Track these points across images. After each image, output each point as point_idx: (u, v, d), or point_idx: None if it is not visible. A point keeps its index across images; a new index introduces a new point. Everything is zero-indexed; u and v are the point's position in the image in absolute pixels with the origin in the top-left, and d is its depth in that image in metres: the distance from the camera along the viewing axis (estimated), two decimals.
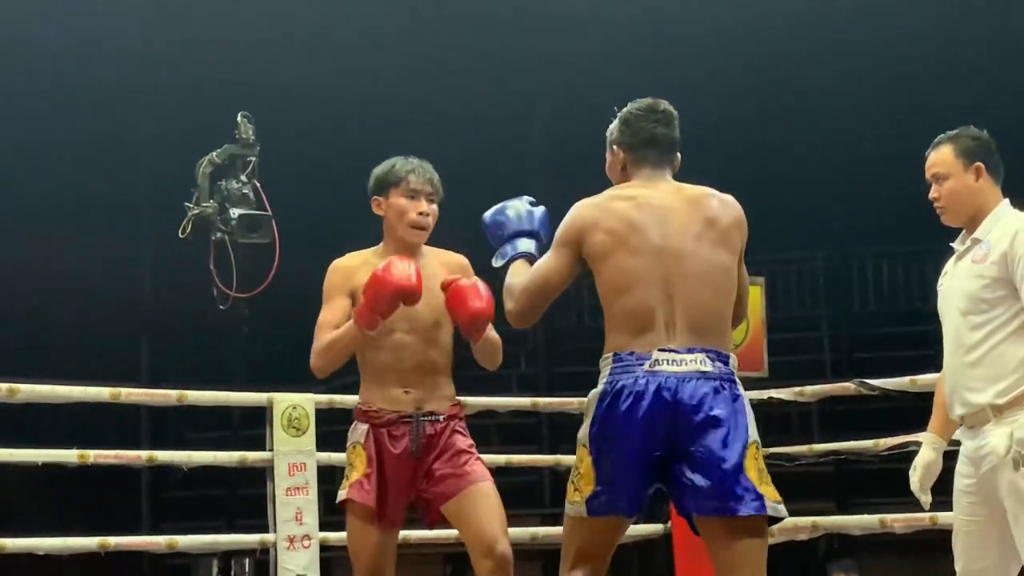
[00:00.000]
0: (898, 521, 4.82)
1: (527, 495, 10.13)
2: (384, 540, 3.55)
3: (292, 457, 4.83)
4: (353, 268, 3.61)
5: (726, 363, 2.91)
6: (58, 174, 10.56)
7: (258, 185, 4.97)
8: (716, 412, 2.85)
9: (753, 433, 2.89)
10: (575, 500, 2.93)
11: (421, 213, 3.63)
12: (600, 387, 2.92)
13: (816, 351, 11.07)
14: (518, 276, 3.13)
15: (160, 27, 9.99)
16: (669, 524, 5.29)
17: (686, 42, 10.33)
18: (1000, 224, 3.35)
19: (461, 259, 3.72)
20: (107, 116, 10.36)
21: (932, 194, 3.44)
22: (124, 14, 9.82)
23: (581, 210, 3.05)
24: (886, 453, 4.88)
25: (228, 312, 4.98)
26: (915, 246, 11.70)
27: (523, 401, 5.96)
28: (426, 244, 3.69)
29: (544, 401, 6.00)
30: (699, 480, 2.84)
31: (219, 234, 4.91)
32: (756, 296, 5.06)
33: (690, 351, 2.88)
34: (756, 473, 2.86)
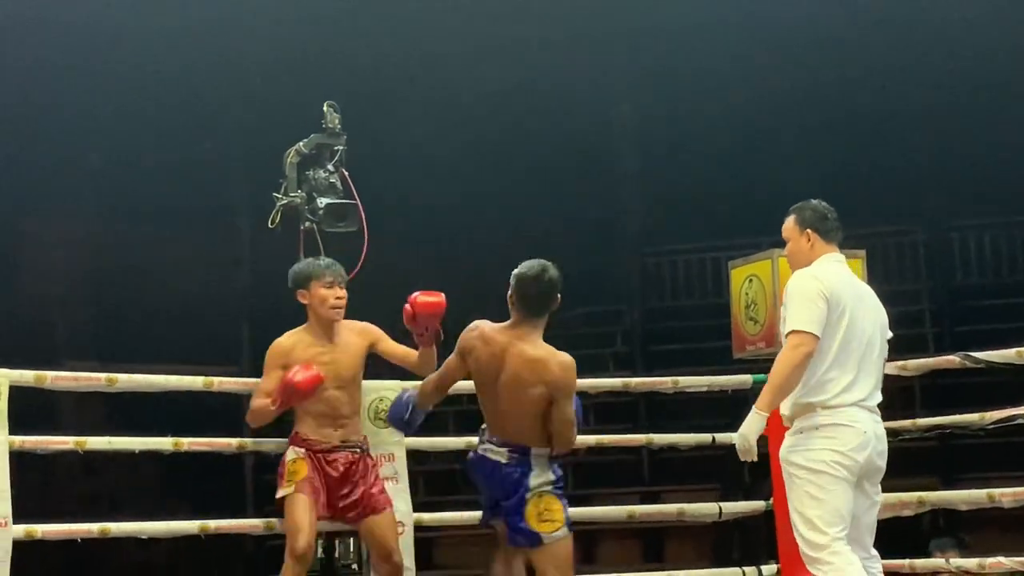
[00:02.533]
0: (1006, 496, 4.72)
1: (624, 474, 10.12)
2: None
3: (380, 448, 4.87)
4: (287, 347, 4.72)
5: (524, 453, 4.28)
6: (157, 172, 10.76)
7: (346, 174, 4.98)
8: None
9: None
10: None
11: (338, 298, 4.74)
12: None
13: (918, 325, 10.90)
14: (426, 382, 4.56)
15: (250, 22, 10.09)
16: (771, 501, 5.24)
17: (779, 15, 10.21)
18: None
19: (367, 325, 4.86)
20: (203, 113, 10.53)
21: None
22: (214, 9, 9.94)
23: (462, 341, 4.40)
24: (992, 427, 4.78)
25: None
26: (1018, 217, 11.49)
27: (615, 382, 5.95)
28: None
29: (636, 381, 5.98)
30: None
31: (307, 223, 4.93)
32: (857, 270, 5.01)
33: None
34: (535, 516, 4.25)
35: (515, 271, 4.36)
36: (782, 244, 5.53)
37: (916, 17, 10.28)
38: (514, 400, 4.23)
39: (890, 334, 4.34)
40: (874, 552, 4.22)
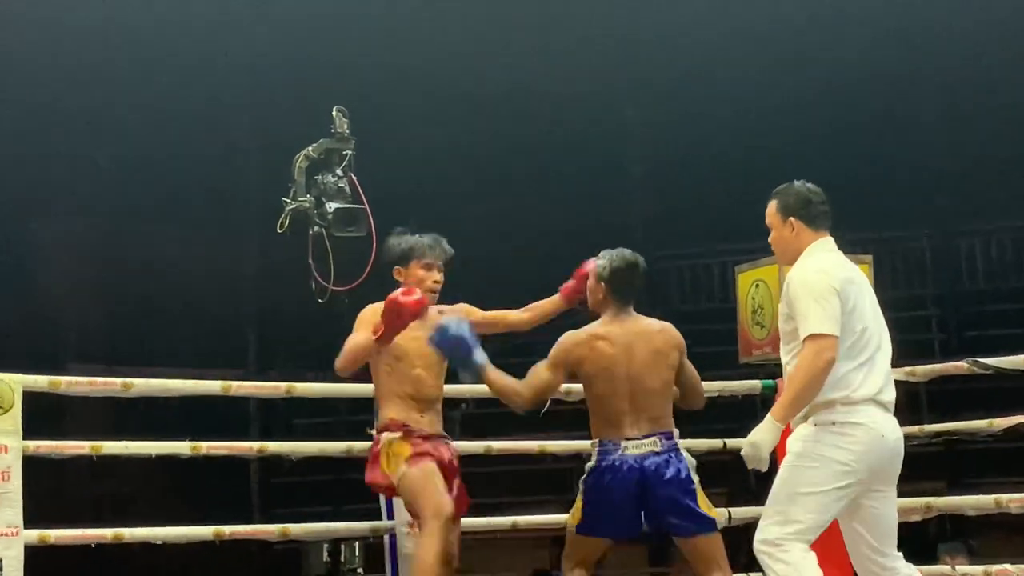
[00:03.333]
0: (1014, 501, 4.72)
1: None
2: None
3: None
4: (378, 310, 4.41)
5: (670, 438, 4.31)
6: (167, 174, 10.78)
7: (354, 178, 4.99)
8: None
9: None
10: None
11: (435, 282, 4.59)
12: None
13: (925, 330, 10.91)
14: (511, 381, 4.41)
15: (259, 25, 10.11)
16: None
17: (785, 20, 10.22)
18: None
19: (456, 306, 4.64)
20: (211, 115, 10.54)
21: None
22: (225, 12, 9.96)
23: (568, 355, 4.41)
24: (1001, 433, 4.78)
25: (330, 304, 5.02)
26: (1023, 222, 11.49)
27: None
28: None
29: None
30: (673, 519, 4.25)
31: (316, 228, 4.94)
32: (865, 275, 5.02)
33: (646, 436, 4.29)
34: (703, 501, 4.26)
35: (601, 267, 4.42)
36: None
37: (921, 22, 10.29)
38: (656, 377, 4.31)
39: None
40: (896, 553, 4.01)
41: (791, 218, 4.02)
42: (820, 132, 10.96)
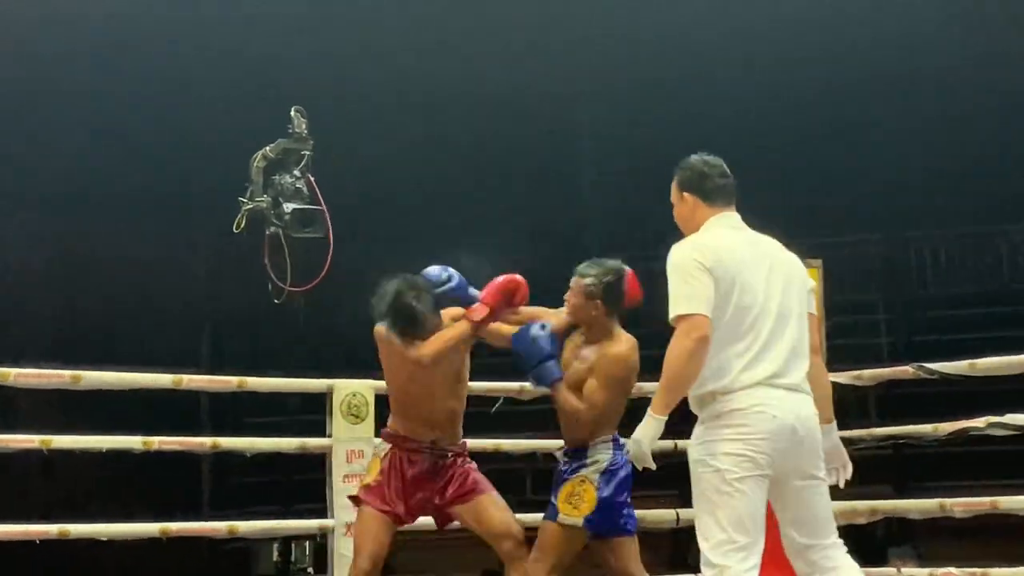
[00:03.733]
0: (958, 505, 4.78)
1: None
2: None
3: (350, 444, 4.86)
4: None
5: None
6: (122, 171, 10.71)
7: (312, 179, 4.98)
8: None
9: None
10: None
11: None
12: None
13: (874, 335, 11.01)
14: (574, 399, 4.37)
15: (215, 21, 10.06)
16: None
17: (738, 25, 10.27)
18: None
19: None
20: (167, 111, 10.48)
21: None
22: (185, 8, 9.92)
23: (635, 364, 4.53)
24: (946, 437, 4.83)
25: (285, 303, 5.01)
26: (974, 228, 11.63)
27: None
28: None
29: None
30: None
31: (273, 228, 4.93)
32: (814, 278, 5.06)
33: None
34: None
35: (592, 284, 4.40)
36: None
37: (873, 28, 10.36)
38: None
39: (811, 284, 3.82)
40: (836, 540, 3.69)
41: (686, 193, 3.82)
42: (774, 137, 11.03)
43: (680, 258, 3.63)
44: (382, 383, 4.97)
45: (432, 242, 11.47)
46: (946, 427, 4.81)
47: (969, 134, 10.80)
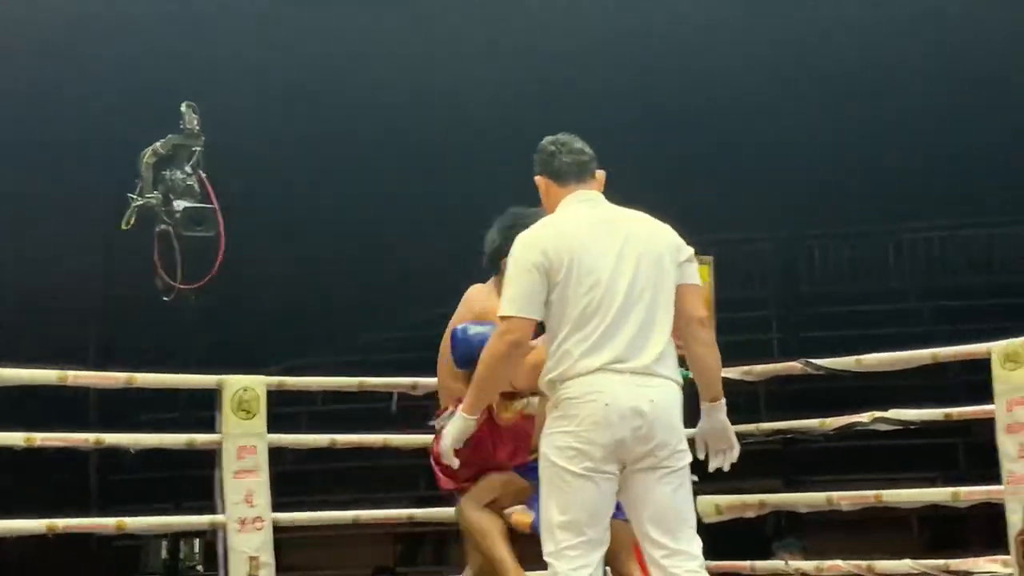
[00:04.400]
0: (844, 499, 4.87)
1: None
2: None
3: (241, 440, 4.80)
4: None
5: None
6: (8, 163, 10.49)
7: (203, 176, 4.91)
8: None
9: None
10: None
11: None
12: None
13: (764, 331, 11.17)
14: None
15: (115, 16, 9.91)
16: None
17: (626, 22, 10.33)
18: None
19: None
20: (57, 105, 10.31)
21: None
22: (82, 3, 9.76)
23: None
24: (833, 432, 4.92)
25: (176, 300, 4.94)
26: (863, 227, 11.85)
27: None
28: None
29: None
30: None
31: (163, 226, 4.85)
32: (705, 275, 5.09)
33: None
34: None
35: (509, 231, 3.97)
36: None
37: (769, 28, 10.48)
38: None
39: (684, 258, 3.58)
40: (683, 547, 3.43)
41: (538, 177, 3.71)
42: (669, 135, 11.13)
43: (513, 254, 3.54)
44: (274, 378, 4.94)
45: (327, 238, 11.45)
46: (832, 422, 4.88)
47: (860, 136, 11.01)
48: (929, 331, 9.75)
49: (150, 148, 4.89)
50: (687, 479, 3.50)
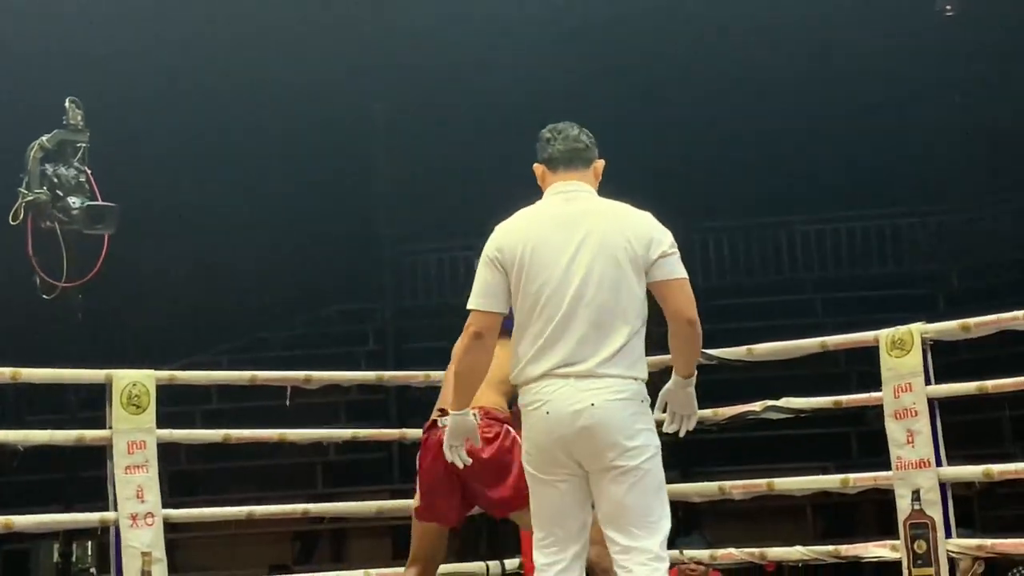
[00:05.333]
0: (737, 488, 4.91)
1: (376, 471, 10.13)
2: None
3: (131, 435, 4.73)
4: None
5: None
6: None
7: (89, 172, 4.84)
8: None
9: None
10: None
11: None
12: None
13: (658, 323, 11.23)
14: None
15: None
16: None
17: (523, 13, 10.32)
18: None
19: None
20: None
21: None
22: None
23: None
24: (725, 422, 4.96)
25: (60, 299, 4.86)
26: (755, 219, 11.99)
27: (368, 375, 5.88)
28: None
29: (389, 375, 5.94)
30: None
31: (50, 222, 4.77)
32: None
33: None
34: None
35: None
36: None
37: (662, 22, 10.53)
38: None
39: (657, 254, 3.54)
40: (636, 544, 3.45)
41: (536, 164, 3.69)
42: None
43: (485, 248, 3.57)
44: (164, 372, 4.87)
45: (214, 237, 11.31)
46: (725, 411, 4.93)
47: (754, 130, 11.14)
48: (822, 322, 9.89)
49: (37, 142, 4.82)
50: (648, 475, 3.49)
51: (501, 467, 4.08)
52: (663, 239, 3.57)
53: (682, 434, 3.75)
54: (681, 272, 3.61)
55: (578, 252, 3.46)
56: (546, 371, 3.44)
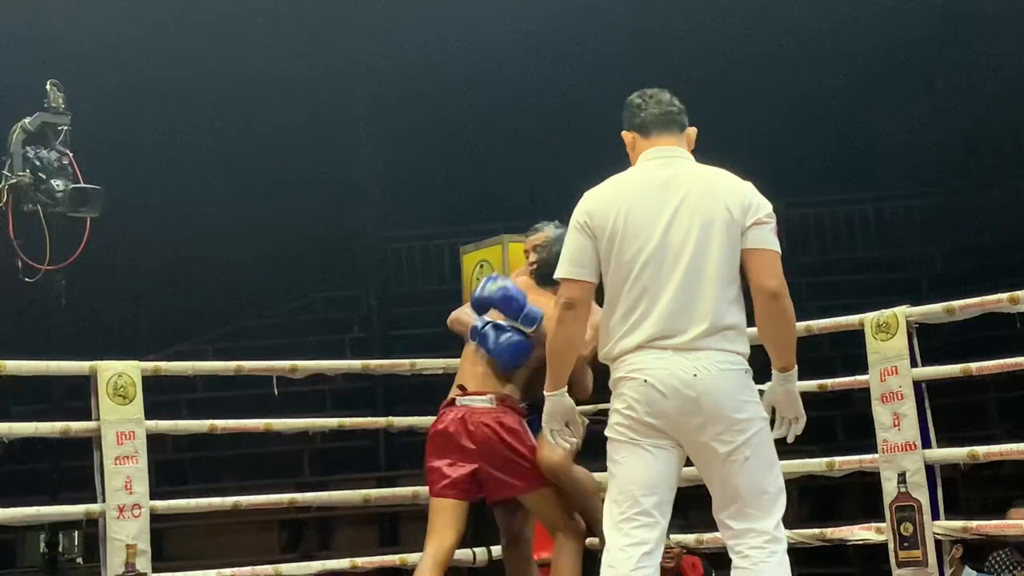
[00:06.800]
0: None
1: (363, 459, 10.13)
2: None
3: (120, 426, 4.71)
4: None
5: None
6: None
7: (71, 155, 4.82)
8: None
9: None
10: None
11: (531, 263, 4.59)
12: None
13: None
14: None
15: None
16: None
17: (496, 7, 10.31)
18: None
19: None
20: None
21: None
22: None
23: None
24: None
25: (42, 284, 4.84)
26: None
27: (354, 364, 5.86)
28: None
29: (375, 363, 5.93)
30: None
31: (32, 205, 4.75)
32: (497, 263, 5.18)
33: None
34: None
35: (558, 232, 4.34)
36: (514, 230, 5.63)
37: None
38: None
39: (752, 220, 3.32)
40: (749, 525, 3.28)
41: (625, 132, 3.49)
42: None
43: (573, 217, 3.39)
44: (149, 363, 4.86)
45: (197, 224, 11.28)
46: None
47: (732, 111, 11.12)
48: (806, 306, 9.90)
49: (19, 125, 4.80)
50: (758, 451, 3.29)
51: (519, 455, 4.30)
52: (761, 206, 3.36)
53: (790, 439, 3.45)
54: (773, 243, 3.36)
55: (675, 217, 3.28)
56: (641, 342, 3.26)
